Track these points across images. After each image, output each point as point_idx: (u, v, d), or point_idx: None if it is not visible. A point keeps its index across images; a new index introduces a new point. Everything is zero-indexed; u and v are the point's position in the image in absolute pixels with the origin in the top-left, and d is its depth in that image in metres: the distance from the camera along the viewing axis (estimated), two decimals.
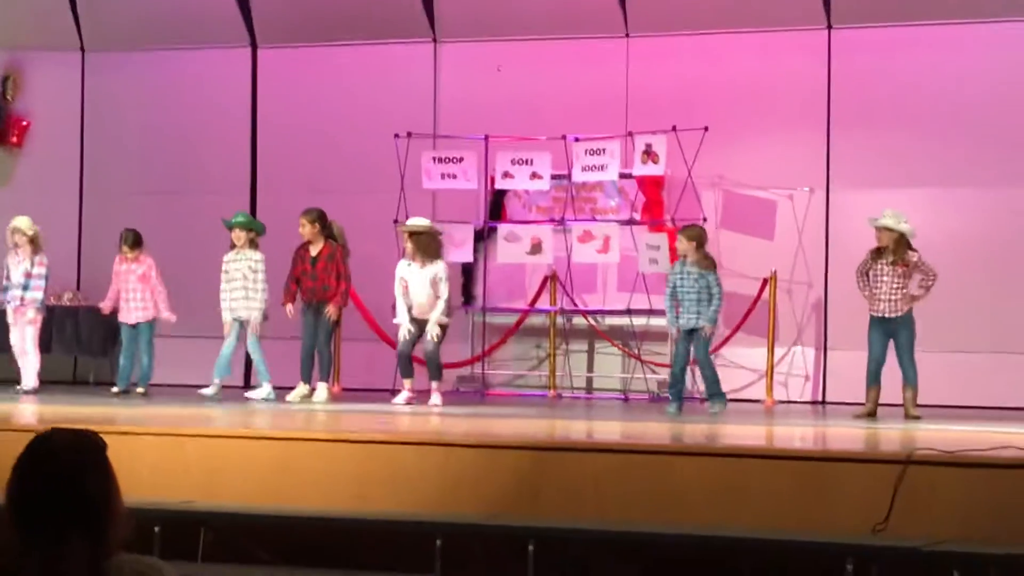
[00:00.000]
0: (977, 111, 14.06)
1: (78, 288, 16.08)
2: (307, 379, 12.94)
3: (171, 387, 13.78)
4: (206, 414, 11.25)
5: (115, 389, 13.38)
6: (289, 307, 12.94)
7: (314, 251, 12.95)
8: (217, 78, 16.16)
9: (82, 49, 16.54)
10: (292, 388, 12.83)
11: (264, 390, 12.84)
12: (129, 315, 13.44)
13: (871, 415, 11.77)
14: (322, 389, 12.86)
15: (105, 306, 13.57)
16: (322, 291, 12.85)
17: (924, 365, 11.98)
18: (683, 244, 12.28)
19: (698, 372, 12.68)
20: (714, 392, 12.20)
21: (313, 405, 12.47)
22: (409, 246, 12.61)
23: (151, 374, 13.40)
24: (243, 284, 12.99)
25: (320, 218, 12.94)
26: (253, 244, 13.11)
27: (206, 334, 13.52)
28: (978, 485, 7.33)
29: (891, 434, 10.06)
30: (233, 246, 13.14)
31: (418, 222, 12.79)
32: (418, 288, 12.54)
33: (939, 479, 7.37)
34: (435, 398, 12.46)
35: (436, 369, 12.62)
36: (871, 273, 11.99)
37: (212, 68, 16.17)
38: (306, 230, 12.91)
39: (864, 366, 12.10)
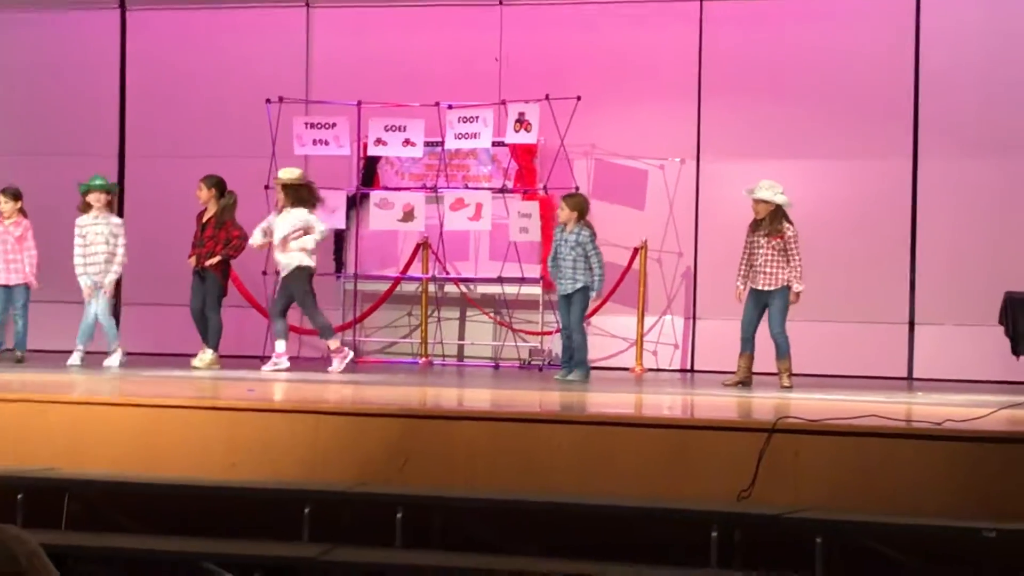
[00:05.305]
0: (843, 83, 14.26)
1: None
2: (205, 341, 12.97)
3: (35, 352, 13.54)
4: (70, 380, 11.10)
5: None
6: (191, 260, 12.98)
7: (205, 217, 12.97)
8: (85, 39, 15.89)
9: None
10: (157, 355, 12.72)
11: (116, 356, 12.70)
12: (7, 277, 13.18)
13: (742, 383, 11.77)
14: (207, 354, 12.80)
15: None
16: (207, 257, 12.78)
17: (791, 334, 12.12)
18: (564, 212, 12.34)
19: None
20: (580, 360, 12.25)
21: (192, 372, 12.36)
22: (281, 197, 12.58)
23: (26, 339, 13.16)
24: (104, 249, 12.82)
25: (216, 184, 12.99)
26: (111, 207, 12.94)
27: (71, 299, 13.31)
28: (841, 453, 7.45)
29: (758, 402, 10.18)
30: (88, 208, 12.93)
31: (290, 173, 12.74)
32: (280, 235, 12.47)
33: (803, 447, 7.48)
34: (336, 362, 12.44)
35: (325, 329, 12.62)
36: (749, 246, 11.99)
37: (80, 29, 15.90)
38: (201, 194, 13.00)
39: (733, 334, 12.23)
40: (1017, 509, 7.02)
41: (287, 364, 12.51)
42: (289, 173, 12.81)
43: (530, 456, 7.89)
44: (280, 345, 12.57)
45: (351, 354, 12.74)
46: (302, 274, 12.53)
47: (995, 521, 6.80)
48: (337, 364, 12.48)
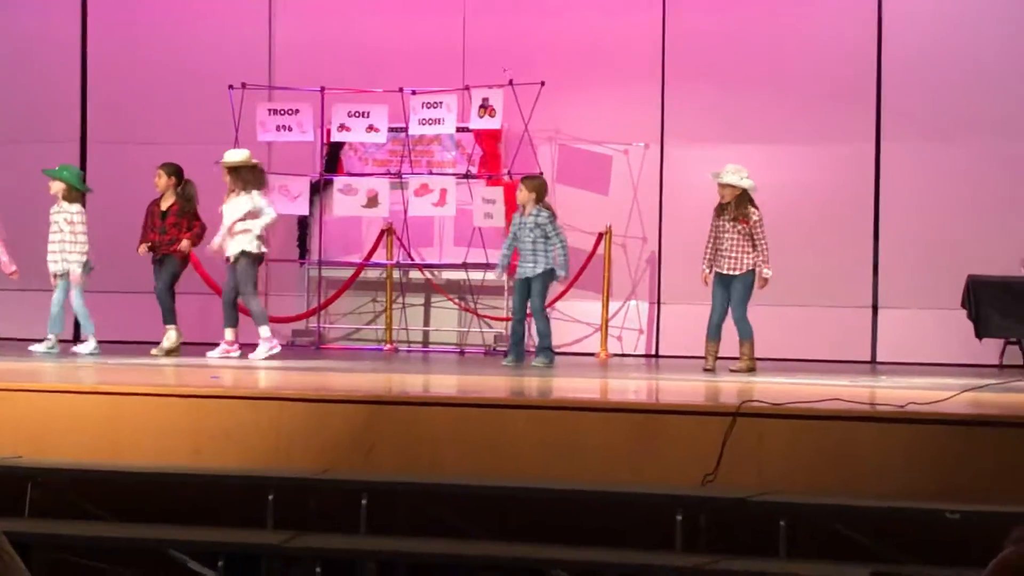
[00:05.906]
0: (806, 68, 14.28)
1: None
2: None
3: (2, 340, 13.49)
4: (36, 368, 11.05)
5: None
6: (141, 248, 12.85)
7: (164, 205, 12.90)
8: (46, 24, 15.79)
9: None
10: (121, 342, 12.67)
11: (89, 344, 12.64)
12: None
13: (710, 370, 11.77)
14: (169, 333, 12.75)
15: None
16: (167, 245, 12.74)
17: (755, 319, 12.16)
18: (523, 194, 12.38)
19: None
20: (544, 347, 12.26)
21: (154, 359, 12.31)
22: (228, 180, 12.56)
23: None
24: (61, 237, 12.77)
25: (176, 172, 12.94)
26: (71, 196, 12.82)
27: (37, 287, 13.24)
28: (805, 436, 7.47)
29: (722, 386, 10.21)
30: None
31: (234, 156, 12.68)
32: (229, 220, 12.43)
33: (767, 431, 7.50)
34: (261, 348, 12.38)
35: (260, 316, 12.56)
36: (715, 230, 11.99)
37: (40, 13, 15.79)
38: (160, 181, 12.92)
39: (697, 319, 12.24)
40: (980, 491, 7.06)
41: (278, 348, 12.48)
42: (233, 156, 12.71)
43: (495, 441, 7.89)
44: (264, 330, 12.53)
45: (279, 348, 12.61)
46: (247, 259, 12.47)
47: (958, 503, 6.84)
48: (263, 350, 12.41)
